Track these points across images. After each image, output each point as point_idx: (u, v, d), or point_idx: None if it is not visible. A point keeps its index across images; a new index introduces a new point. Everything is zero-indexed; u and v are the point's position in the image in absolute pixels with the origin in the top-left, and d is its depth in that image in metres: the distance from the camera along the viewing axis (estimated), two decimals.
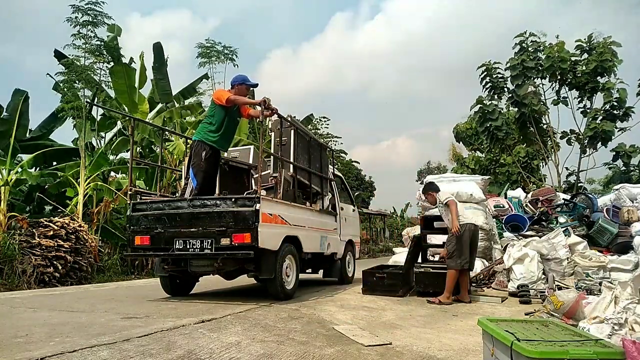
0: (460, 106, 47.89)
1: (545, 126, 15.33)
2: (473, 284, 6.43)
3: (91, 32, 10.24)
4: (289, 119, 5.80)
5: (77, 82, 10.12)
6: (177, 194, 9.37)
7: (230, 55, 13.44)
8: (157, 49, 12.34)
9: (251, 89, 5.67)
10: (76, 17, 10.10)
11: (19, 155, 11.60)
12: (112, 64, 10.87)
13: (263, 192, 4.89)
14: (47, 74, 10.15)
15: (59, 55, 10.56)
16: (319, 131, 23.87)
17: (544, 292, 5.10)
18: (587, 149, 14.55)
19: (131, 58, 12.15)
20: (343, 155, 26.87)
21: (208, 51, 13.40)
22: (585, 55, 14.12)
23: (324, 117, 24.52)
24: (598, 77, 13.91)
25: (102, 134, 12.35)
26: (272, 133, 6.08)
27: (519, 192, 10.44)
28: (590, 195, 9.25)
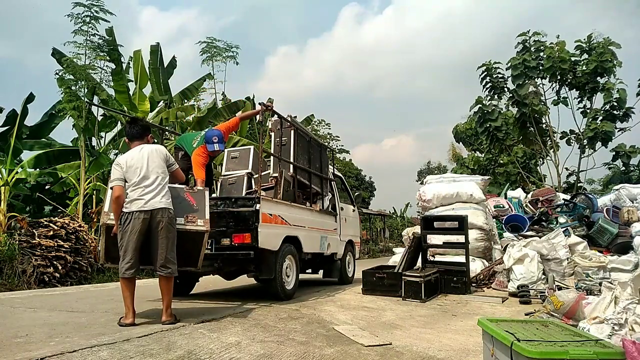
0: (463, 106, 47.86)
1: (545, 126, 15.34)
2: (473, 284, 6.44)
3: (92, 28, 10.19)
4: (289, 119, 5.81)
5: (78, 82, 10.09)
6: None
7: (231, 54, 13.45)
8: (155, 50, 12.36)
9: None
10: (78, 14, 10.06)
11: (20, 155, 11.59)
12: (112, 64, 10.86)
13: (263, 192, 4.89)
14: (56, 72, 10.11)
15: (57, 54, 10.54)
16: (318, 132, 23.94)
17: (544, 292, 5.09)
18: (587, 149, 14.57)
19: (130, 57, 12.16)
20: (346, 154, 26.96)
21: (208, 48, 13.41)
22: (585, 56, 14.13)
23: (323, 120, 24.74)
24: (598, 78, 13.92)
25: (102, 134, 12.36)
26: (272, 133, 6.09)
27: (518, 192, 10.44)
28: (590, 196, 9.25)
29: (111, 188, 3.64)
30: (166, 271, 3.62)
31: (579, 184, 15.22)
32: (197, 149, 4.94)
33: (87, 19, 10.09)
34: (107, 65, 10.86)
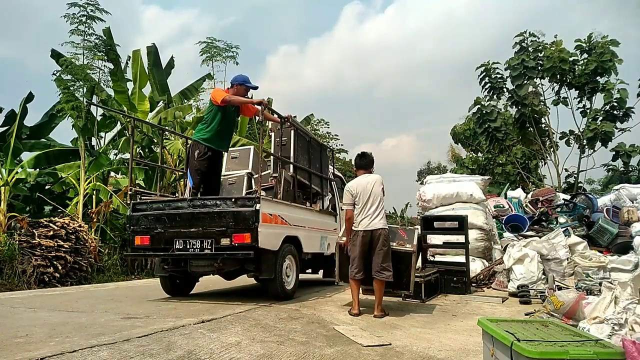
0: (464, 106, 47.68)
1: (544, 126, 15.34)
2: (473, 284, 6.44)
3: (88, 27, 10.15)
4: (289, 119, 5.81)
5: (76, 81, 10.08)
6: (177, 194, 9.36)
7: (231, 54, 13.40)
8: (152, 51, 12.35)
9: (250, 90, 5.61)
10: (73, 14, 10.03)
11: (20, 155, 11.59)
12: (110, 64, 10.84)
13: (263, 192, 4.89)
14: (54, 72, 10.10)
15: (56, 55, 10.53)
16: (317, 131, 23.96)
17: (544, 292, 5.10)
18: (587, 150, 14.57)
19: (128, 57, 12.16)
20: (344, 153, 26.94)
21: (208, 48, 13.37)
22: (585, 55, 14.13)
23: (322, 119, 24.76)
24: (598, 77, 13.92)
25: (102, 134, 12.36)
26: (272, 133, 6.09)
27: (518, 192, 10.44)
28: (590, 196, 9.24)
29: (341, 209, 4.69)
30: (382, 276, 4.36)
31: (578, 184, 15.22)
32: (216, 91, 5.36)
33: (84, 19, 10.06)
34: (105, 65, 10.85)
